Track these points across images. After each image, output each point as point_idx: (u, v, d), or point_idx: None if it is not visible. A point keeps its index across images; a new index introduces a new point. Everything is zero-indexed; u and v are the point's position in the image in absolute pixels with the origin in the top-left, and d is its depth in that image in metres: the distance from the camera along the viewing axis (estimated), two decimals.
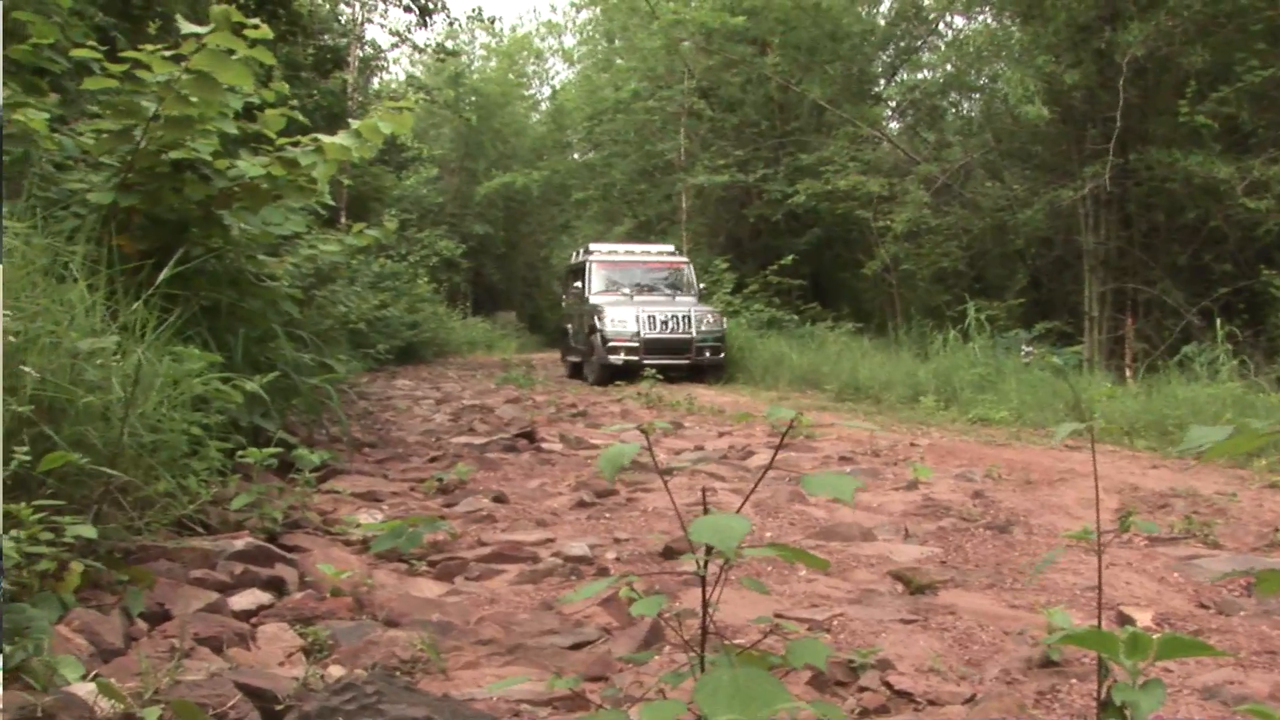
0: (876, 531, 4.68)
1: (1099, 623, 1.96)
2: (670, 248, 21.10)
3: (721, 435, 8.40)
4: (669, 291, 19.29)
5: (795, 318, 20.02)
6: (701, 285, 20.29)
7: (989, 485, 6.14)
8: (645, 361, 16.67)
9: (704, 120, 24.60)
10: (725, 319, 18.72)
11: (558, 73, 51.22)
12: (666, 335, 17.56)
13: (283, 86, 5.62)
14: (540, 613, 3.27)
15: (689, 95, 24.06)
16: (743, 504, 1.84)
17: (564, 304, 22.40)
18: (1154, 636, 1.63)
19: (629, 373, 17.06)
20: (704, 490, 1.92)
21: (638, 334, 17.40)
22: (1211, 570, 3.99)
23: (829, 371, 15.32)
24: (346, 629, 2.90)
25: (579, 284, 19.61)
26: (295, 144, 5.28)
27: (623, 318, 17.56)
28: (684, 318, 17.82)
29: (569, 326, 20.78)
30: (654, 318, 17.62)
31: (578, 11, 34.70)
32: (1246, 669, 2.88)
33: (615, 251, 20.48)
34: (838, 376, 14.98)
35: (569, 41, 40.48)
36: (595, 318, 17.75)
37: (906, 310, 19.75)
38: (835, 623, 3.18)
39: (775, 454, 1.89)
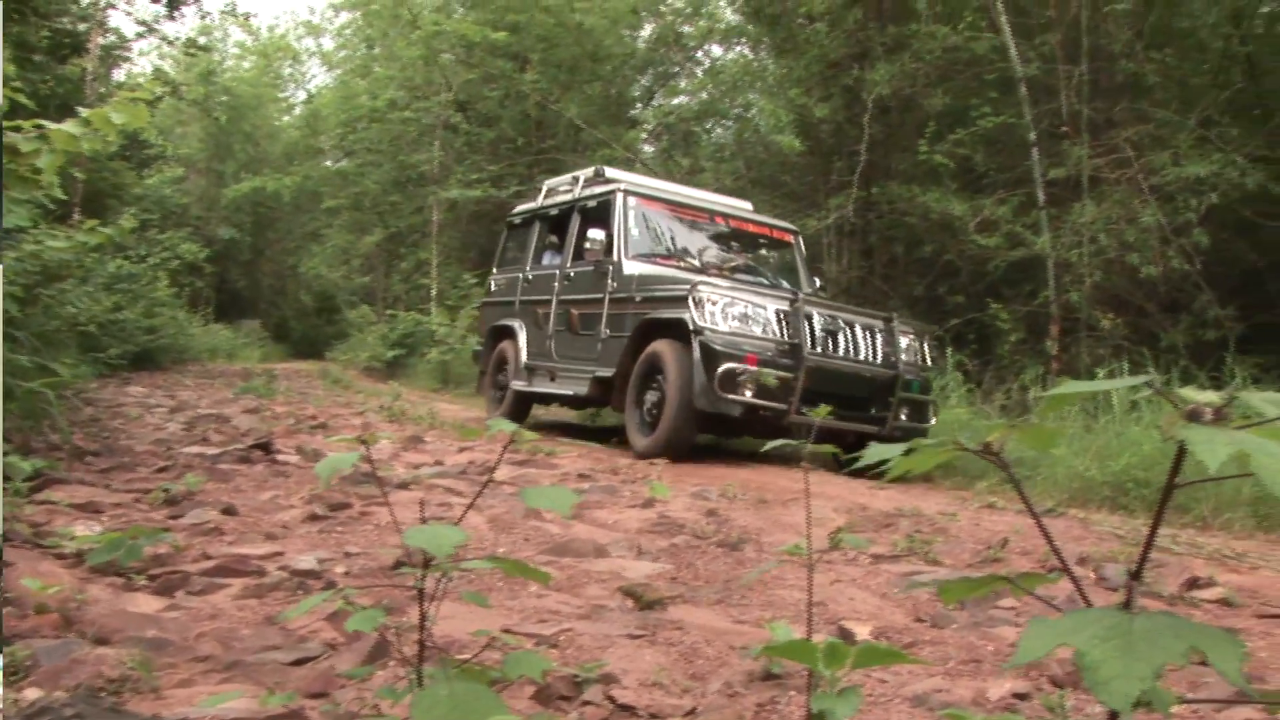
0: (610, 548, 4.72)
1: (809, 635, 2.03)
2: (750, 205, 12.09)
3: (463, 451, 8.34)
4: (760, 277, 10.53)
5: None
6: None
7: (724, 504, 6.30)
8: (800, 415, 7.89)
9: (460, 134, 24.52)
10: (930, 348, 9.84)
11: (314, 76, 50.24)
12: (848, 364, 8.48)
13: (8, 67, 5.32)
14: (263, 628, 3.16)
15: (446, 107, 23.93)
16: (463, 515, 1.84)
17: (494, 281, 12.61)
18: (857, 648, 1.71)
19: (748, 432, 9.01)
20: (421, 502, 1.90)
21: (795, 351, 8.17)
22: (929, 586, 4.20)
23: None
24: (49, 648, 2.73)
25: (597, 235, 9.67)
26: (17, 130, 4.99)
27: (748, 313, 8.30)
28: (876, 332, 8.78)
29: (515, 324, 11.28)
30: (814, 321, 8.45)
31: (336, 14, 34.07)
32: (954, 677, 3.04)
33: (660, 189, 10.80)
34: None
35: (328, 44, 39.62)
36: (691, 301, 8.20)
37: None
38: (563, 638, 3.19)
39: (495, 466, 1.90)
